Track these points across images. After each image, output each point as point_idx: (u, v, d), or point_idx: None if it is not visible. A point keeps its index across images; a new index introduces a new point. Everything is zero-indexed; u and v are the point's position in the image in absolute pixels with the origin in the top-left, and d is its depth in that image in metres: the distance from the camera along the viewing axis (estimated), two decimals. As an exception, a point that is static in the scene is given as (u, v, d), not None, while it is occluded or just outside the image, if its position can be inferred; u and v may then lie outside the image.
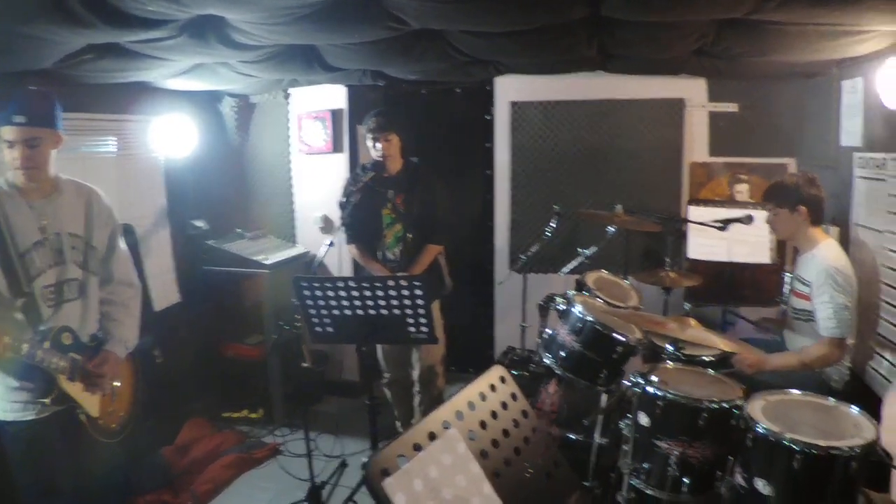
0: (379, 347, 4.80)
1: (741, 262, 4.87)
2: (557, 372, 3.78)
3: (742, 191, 5.33)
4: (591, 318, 3.65)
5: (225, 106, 5.82)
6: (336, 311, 3.48)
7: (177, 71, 4.13)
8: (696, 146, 5.43)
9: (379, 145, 4.47)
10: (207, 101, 5.70)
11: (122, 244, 3.33)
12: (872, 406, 2.90)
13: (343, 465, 4.25)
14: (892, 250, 3.74)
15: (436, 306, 4.46)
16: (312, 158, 5.92)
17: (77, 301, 3.08)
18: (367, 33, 3.33)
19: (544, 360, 3.85)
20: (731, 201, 5.25)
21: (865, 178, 4.05)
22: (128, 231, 4.15)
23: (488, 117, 5.79)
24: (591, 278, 4.42)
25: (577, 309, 3.73)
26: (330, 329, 3.57)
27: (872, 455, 2.61)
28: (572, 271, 5.03)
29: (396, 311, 3.43)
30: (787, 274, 4.17)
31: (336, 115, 5.81)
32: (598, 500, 3.67)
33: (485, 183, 5.89)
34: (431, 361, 4.69)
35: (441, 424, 1.89)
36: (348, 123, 5.83)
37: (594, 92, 5.48)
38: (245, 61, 3.94)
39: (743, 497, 2.86)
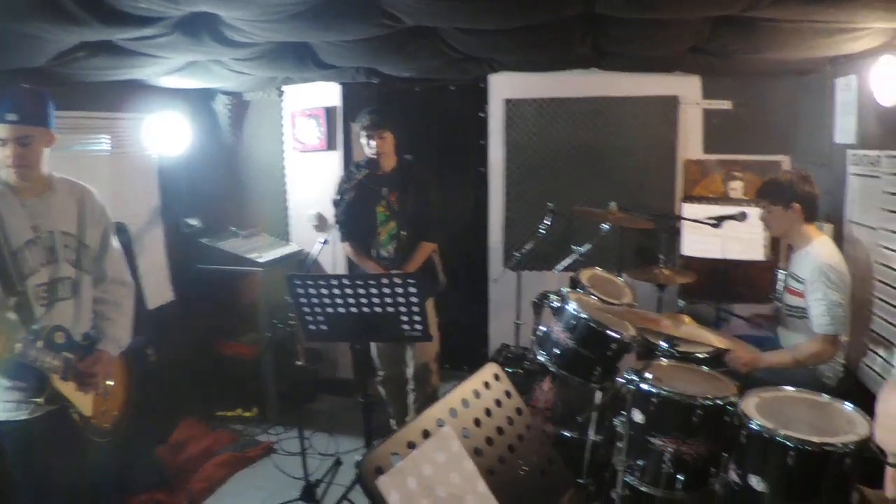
0: (373, 345, 4.79)
1: (735, 259, 4.89)
2: (552, 369, 3.78)
3: (736, 188, 5.34)
4: (585, 316, 3.65)
5: (218, 104, 5.80)
6: (330, 309, 3.48)
7: (170, 69, 4.11)
8: (691, 143, 5.44)
9: (373, 143, 4.46)
10: (201, 99, 5.68)
11: (115, 242, 3.32)
12: (867, 403, 2.90)
13: (337, 463, 4.25)
14: (885, 247, 3.75)
15: (430, 304, 4.46)
16: (306, 156, 5.91)
17: (70, 300, 3.06)
18: (360, 30, 3.32)
19: (538, 357, 3.85)
20: (725, 198, 5.26)
21: (859, 175, 4.06)
22: (121, 229, 4.14)
23: (482, 115, 5.78)
24: (585, 275, 4.42)
25: (572, 306, 3.73)
26: (324, 327, 3.57)
27: (866, 451, 2.61)
28: (566, 268, 5.03)
29: (390, 309, 3.42)
30: (781, 271, 4.17)
31: (330, 112, 5.80)
32: (592, 498, 3.68)
33: (479, 180, 5.88)
34: (426, 359, 4.68)
35: (435, 422, 1.88)
36: (342, 121, 5.82)
37: (588, 89, 5.48)
38: (238, 59, 3.93)
39: (737, 493, 2.86)
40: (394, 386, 4.88)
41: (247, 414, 5.48)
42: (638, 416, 3.20)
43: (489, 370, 2.20)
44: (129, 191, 4.96)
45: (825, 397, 3.04)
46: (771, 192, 3.81)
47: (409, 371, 4.75)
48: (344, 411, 5.59)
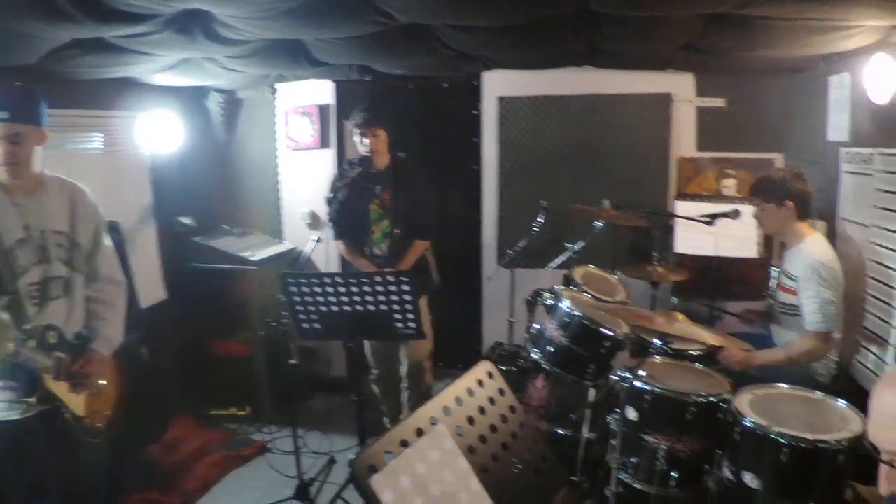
0: (366, 343, 4.78)
1: (728, 257, 4.90)
2: (545, 367, 3.79)
3: (729, 186, 5.34)
4: (578, 313, 3.66)
5: (211, 101, 5.79)
6: (323, 308, 3.47)
7: (163, 66, 4.10)
8: (684, 141, 5.44)
9: (366, 140, 4.45)
10: (194, 97, 5.67)
11: (107, 241, 3.30)
12: (860, 400, 2.90)
13: (331, 461, 4.25)
14: (878, 245, 3.76)
15: (423, 302, 4.45)
16: (299, 154, 5.91)
17: (62, 299, 3.05)
18: (353, 28, 3.32)
19: (532, 355, 3.85)
20: (718, 196, 5.27)
21: (852, 172, 4.06)
22: (113, 228, 4.12)
23: (476, 112, 5.77)
24: (578, 273, 4.42)
25: (565, 304, 3.73)
26: (317, 325, 3.56)
27: (859, 448, 2.62)
28: (560, 266, 5.02)
29: (384, 307, 3.42)
30: (774, 268, 4.18)
31: (323, 110, 5.80)
32: (586, 495, 3.68)
33: (472, 178, 5.87)
34: (419, 357, 4.68)
35: (428, 420, 1.88)
36: (335, 119, 5.81)
37: (582, 87, 5.48)
38: (231, 56, 3.93)
39: (731, 490, 2.87)
40: (387, 384, 4.87)
41: (240, 413, 5.46)
42: (632, 414, 3.20)
43: (483, 368, 2.20)
44: (121, 189, 4.94)
45: (818, 394, 3.05)
46: (764, 190, 3.81)
47: (403, 369, 4.75)
48: (338, 410, 5.58)
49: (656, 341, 3.55)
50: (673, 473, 3.09)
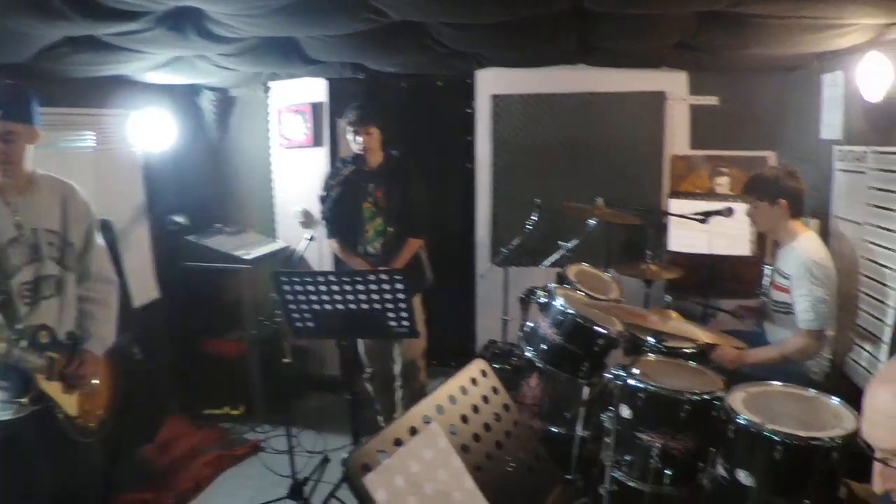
0: (360, 342, 4.78)
1: (722, 255, 4.90)
2: (539, 365, 3.78)
3: (722, 183, 5.35)
4: (572, 311, 3.66)
5: (204, 100, 5.77)
6: (317, 306, 3.47)
7: (155, 64, 4.09)
8: (677, 139, 5.44)
9: (359, 138, 4.44)
10: (186, 95, 5.64)
11: (99, 240, 3.28)
12: (853, 397, 2.91)
13: (325, 460, 4.25)
14: (871, 242, 3.77)
15: (417, 300, 4.45)
16: (292, 152, 5.89)
17: (54, 298, 3.03)
18: (346, 25, 3.31)
19: (526, 353, 3.85)
20: (711, 194, 5.28)
21: (845, 170, 4.07)
22: (106, 227, 4.09)
23: (469, 110, 5.77)
24: (572, 271, 4.42)
25: (559, 302, 3.73)
26: (310, 324, 3.56)
27: (853, 446, 2.63)
28: (553, 264, 5.02)
29: (377, 306, 3.41)
30: (768, 266, 4.19)
31: (316, 108, 5.78)
32: (580, 493, 3.68)
33: (466, 176, 5.87)
34: (413, 356, 4.68)
35: (422, 419, 1.87)
36: (328, 117, 5.80)
37: (575, 85, 5.47)
38: (223, 54, 3.91)
39: (725, 488, 2.87)
40: (381, 383, 4.87)
41: (234, 412, 5.45)
42: (625, 412, 3.20)
43: (476, 366, 2.20)
44: (113, 188, 4.91)
45: (812, 392, 3.06)
46: (757, 188, 3.81)
47: (397, 368, 4.74)
48: (331, 408, 5.58)
49: (650, 339, 3.56)
50: (667, 471, 3.09)
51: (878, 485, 1.41)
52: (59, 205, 3.07)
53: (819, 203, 4.30)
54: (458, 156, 5.88)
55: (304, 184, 5.77)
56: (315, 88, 5.74)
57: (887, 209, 3.60)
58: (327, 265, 5.74)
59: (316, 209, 4.94)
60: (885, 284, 3.63)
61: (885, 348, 3.62)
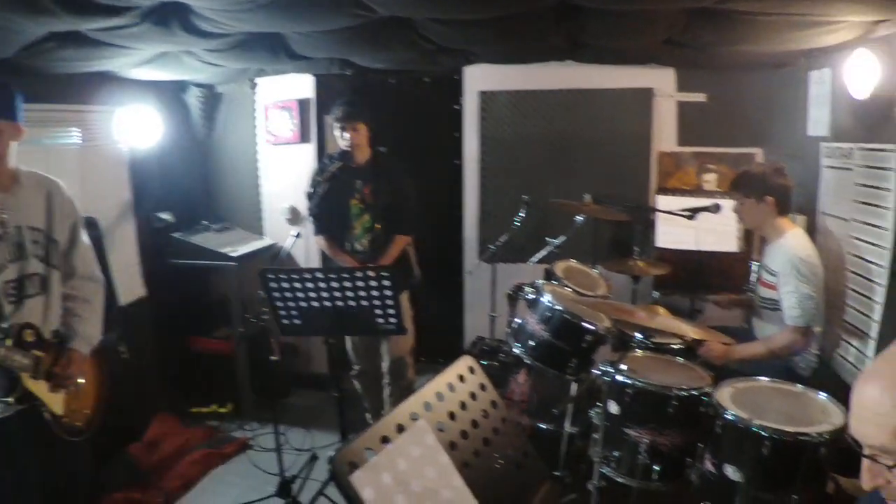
0: (348, 339, 4.77)
1: (709, 251, 4.91)
2: (527, 361, 3.79)
3: (710, 180, 5.36)
4: (560, 308, 3.66)
5: (190, 96, 5.74)
6: (304, 303, 3.46)
7: (141, 60, 4.06)
8: (665, 136, 5.45)
9: (346, 135, 4.42)
10: (173, 91, 5.61)
11: (84, 237, 3.25)
12: (841, 393, 2.92)
13: (313, 458, 4.23)
14: (858, 239, 3.78)
15: (404, 297, 4.44)
16: (279, 149, 5.86)
17: (39, 297, 3.00)
18: (333, 21, 3.30)
19: (514, 349, 3.85)
20: (699, 190, 5.28)
21: (832, 167, 4.09)
22: (91, 224, 4.07)
23: (457, 107, 5.76)
24: (559, 267, 4.42)
25: (546, 298, 3.73)
26: (298, 321, 3.54)
27: (841, 441, 2.63)
28: (541, 261, 5.03)
29: (364, 303, 3.41)
30: (755, 263, 4.20)
31: (303, 104, 5.76)
32: (568, 490, 3.68)
33: (453, 173, 5.86)
34: (400, 353, 4.66)
35: (409, 416, 1.86)
36: (315, 113, 5.77)
37: (563, 81, 5.47)
38: (210, 49, 3.89)
39: (713, 483, 2.88)
40: (369, 380, 4.85)
41: (221, 410, 5.43)
42: (613, 408, 3.21)
43: (464, 363, 2.19)
44: (99, 185, 4.87)
45: (799, 387, 3.07)
46: (744, 185, 3.82)
47: (385, 365, 4.73)
48: (319, 406, 5.56)
49: (637, 335, 3.56)
50: (655, 467, 3.10)
51: (866, 481, 1.41)
52: (44, 202, 3.04)
53: (806, 199, 4.32)
54: (446, 152, 5.87)
55: (291, 180, 5.75)
56: (302, 85, 5.71)
57: (874, 206, 3.61)
58: (314, 262, 5.73)
59: (303, 206, 4.92)
60: (871, 280, 3.64)
61: (872, 344, 3.63)
